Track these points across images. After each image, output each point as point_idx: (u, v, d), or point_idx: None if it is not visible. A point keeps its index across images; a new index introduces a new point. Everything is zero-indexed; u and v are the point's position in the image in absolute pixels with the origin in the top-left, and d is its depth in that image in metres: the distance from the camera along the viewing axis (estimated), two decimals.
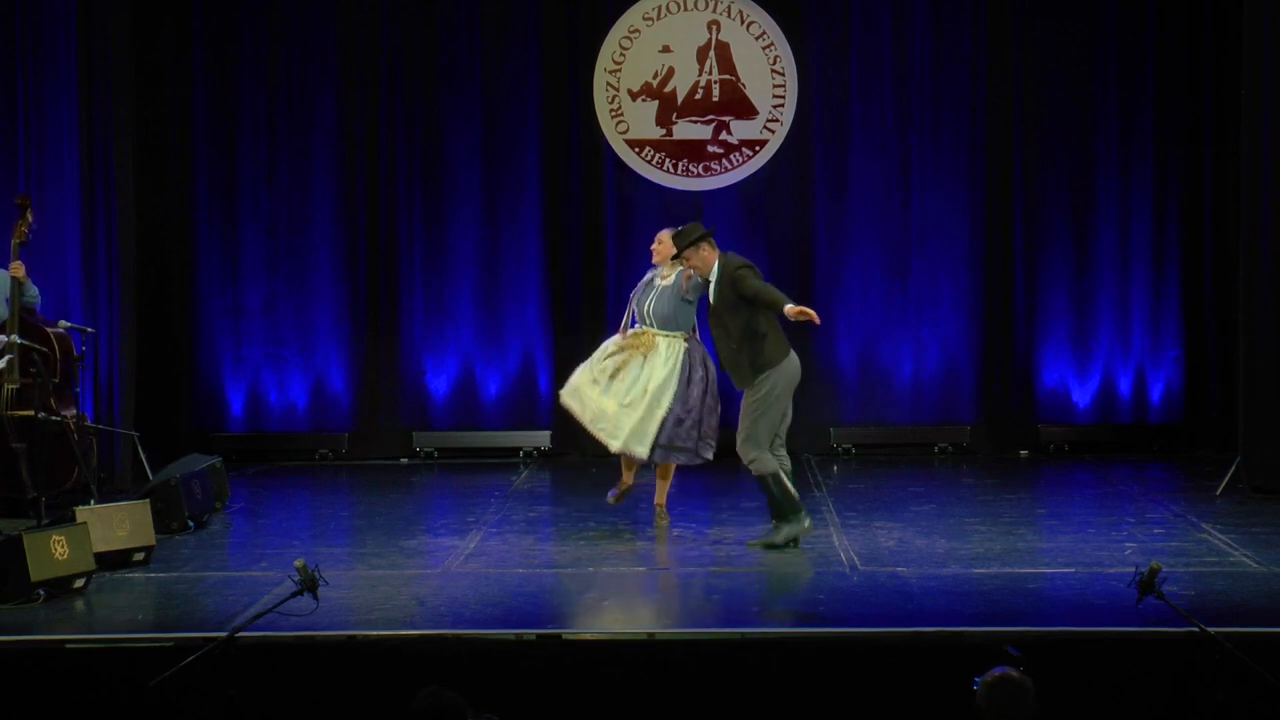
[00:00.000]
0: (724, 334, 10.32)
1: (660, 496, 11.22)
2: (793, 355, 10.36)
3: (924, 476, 13.57)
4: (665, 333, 10.92)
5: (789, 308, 10.01)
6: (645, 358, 10.84)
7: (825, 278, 14.92)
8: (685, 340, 10.93)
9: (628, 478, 11.13)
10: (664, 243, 11.08)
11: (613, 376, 10.88)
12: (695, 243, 10.48)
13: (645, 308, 11.01)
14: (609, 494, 11.25)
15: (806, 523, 10.27)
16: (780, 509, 10.24)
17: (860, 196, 14.90)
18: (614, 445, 10.82)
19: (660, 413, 10.71)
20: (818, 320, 10.07)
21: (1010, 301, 14.87)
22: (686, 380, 10.78)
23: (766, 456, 10.16)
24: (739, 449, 10.24)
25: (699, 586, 9.30)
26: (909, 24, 14.82)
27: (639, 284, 11.28)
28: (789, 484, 10.24)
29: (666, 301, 10.92)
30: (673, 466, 11.07)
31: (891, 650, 7.89)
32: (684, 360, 10.83)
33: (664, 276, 11.03)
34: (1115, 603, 8.42)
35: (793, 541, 10.21)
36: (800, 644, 8.01)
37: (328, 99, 14.83)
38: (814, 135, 14.91)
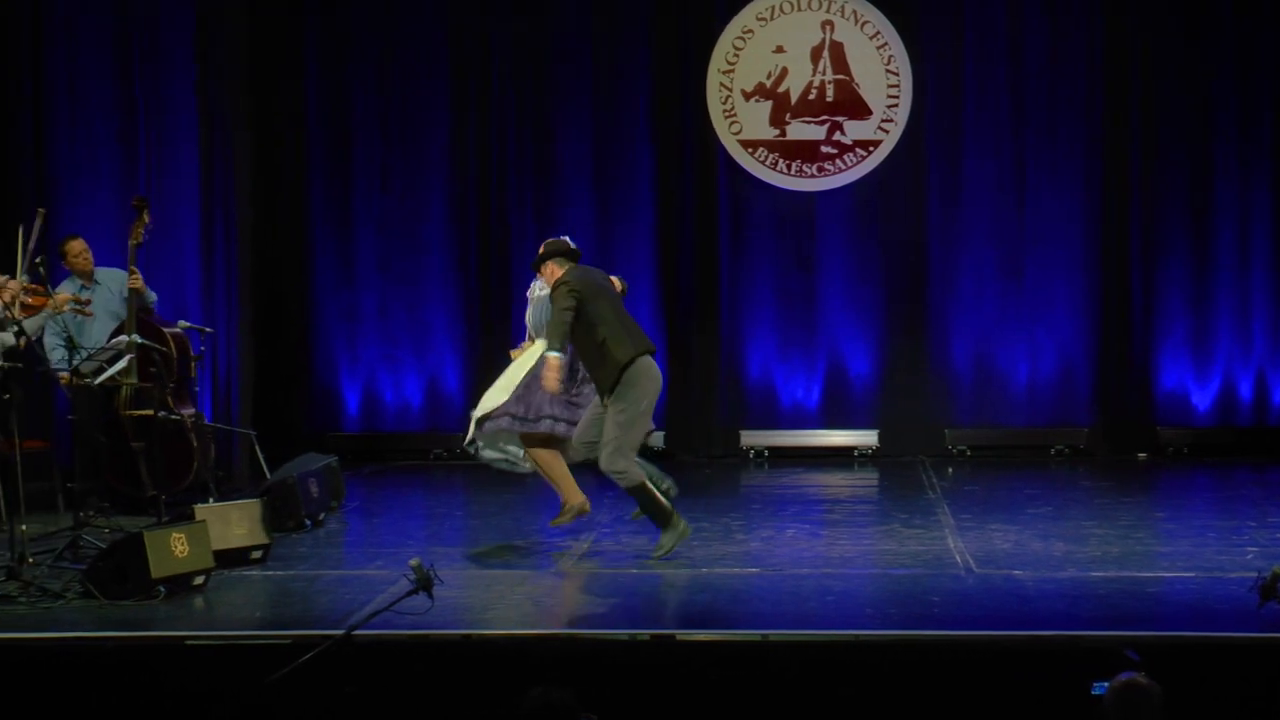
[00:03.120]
0: (576, 348, 10.10)
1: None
2: (642, 361, 9.96)
3: (1040, 479, 13.45)
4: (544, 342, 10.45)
5: (550, 355, 9.77)
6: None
7: (939, 279, 14.83)
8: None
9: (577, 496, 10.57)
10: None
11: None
12: (543, 259, 10.26)
13: (527, 318, 10.79)
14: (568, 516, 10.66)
15: (682, 526, 10.00)
16: (656, 519, 10.03)
17: (974, 197, 14.80)
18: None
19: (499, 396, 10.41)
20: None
21: (1127, 302, 14.72)
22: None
23: (634, 469, 9.92)
24: (604, 462, 9.86)
25: (811, 588, 9.26)
26: (1025, 22, 14.71)
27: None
28: (657, 492, 10.00)
29: (543, 312, 10.58)
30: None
31: (1007, 654, 7.82)
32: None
33: (542, 288, 10.68)
34: (1236, 608, 8.31)
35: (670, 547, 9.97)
36: (914, 646, 7.96)
37: (440, 100, 14.92)
38: (928, 135, 14.82)
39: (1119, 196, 14.70)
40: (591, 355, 9.98)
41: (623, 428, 9.85)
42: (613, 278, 10.49)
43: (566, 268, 10.19)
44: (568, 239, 10.48)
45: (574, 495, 10.46)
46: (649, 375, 10.02)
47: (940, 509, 11.73)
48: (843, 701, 7.66)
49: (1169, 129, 14.64)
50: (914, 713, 7.63)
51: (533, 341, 10.73)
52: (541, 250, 10.36)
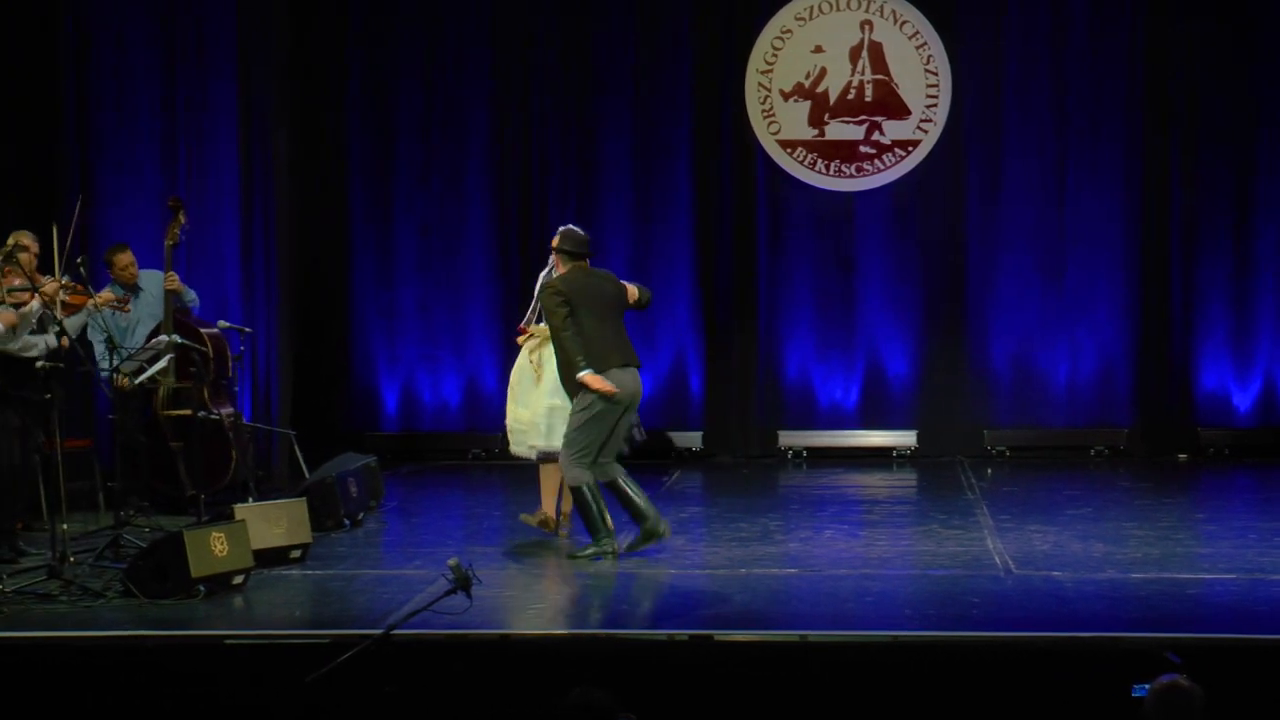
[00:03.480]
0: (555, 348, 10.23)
1: (567, 505, 10.75)
2: (616, 372, 10.01)
3: (1079, 479, 13.41)
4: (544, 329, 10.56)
5: (584, 375, 9.88)
6: (545, 361, 10.58)
7: (978, 279, 14.79)
8: None
9: (551, 508, 10.70)
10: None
11: (537, 382, 10.66)
12: (555, 252, 10.36)
13: (534, 307, 10.73)
14: (535, 519, 10.78)
15: (609, 548, 10.01)
16: (587, 525, 10.07)
17: (1014, 197, 14.76)
18: (516, 449, 10.68)
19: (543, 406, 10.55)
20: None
21: (1168, 302, 14.66)
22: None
23: (578, 470, 9.96)
24: (559, 457, 10.14)
25: (850, 589, 9.24)
26: (1065, 21, 14.66)
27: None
28: (602, 505, 10.02)
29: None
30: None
31: (1046, 656, 7.79)
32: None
33: (546, 275, 10.68)
34: (1277, 609, 8.28)
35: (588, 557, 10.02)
36: (953, 647, 7.94)
37: (481, 100, 14.94)
38: (967, 135, 14.79)
39: (1160, 195, 14.65)
40: (561, 359, 10.11)
41: (577, 428, 9.99)
42: (629, 286, 10.45)
43: (568, 268, 10.25)
44: (577, 231, 10.44)
45: (550, 507, 10.67)
46: (619, 381, 10.02)
47: (979, 510, 11.71)
48: (881, 703, 7.64)
49: (1210, 127, 14.58)
50: (952, 714, 7.60)
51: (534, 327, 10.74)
52: (555, 241, 10.42)
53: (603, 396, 9.93)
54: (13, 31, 12.95)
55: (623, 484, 10.10)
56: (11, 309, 9.78)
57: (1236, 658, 7.68)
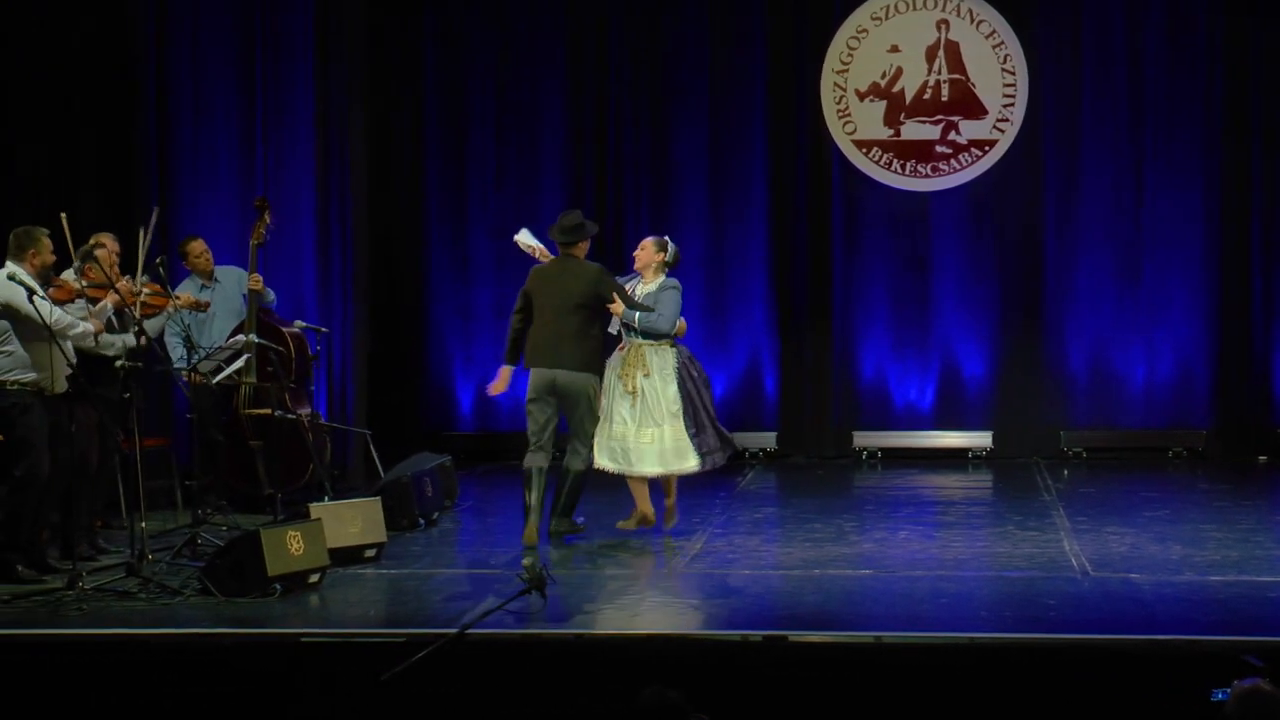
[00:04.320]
0: None
1: (671, 498, 10.89)
2: (539, 372, 10.63)
3: (1157, 481, 13.31)
4: (649, 342, 10.61)
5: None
6: (645, 375, 10.61)
7: (1055, 280, 14.71)
8: (671, 346, 10.67)
9: (646, 506, 10.75)
10: (646, 249, 10.81)
11: (632, 405, 10.64)
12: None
13: (634, 320, 10.64)
14: (633, 522, 10.80)
15: (527, 528, 10.48)
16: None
17: (1091, 197, 14.66)
18: (655, 471, 10.63)
19: (681, 425, 10.57)
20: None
21: (1247, 304, 14.53)
22: (691, 386, 10.63)
23: (527, 454, 10.65)
24: None
25: (925, 590, 9.21)
26: (1143, 20, 14.55)
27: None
28: (531, 488, 10.56)
29: (657, 302, 10.63)
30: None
31: (1124, 658, 7.74)
32: (678, 368, 10.64)
33: (646, 285, 10.73)
34: None
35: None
36: (1029, 650, 7.89)
37: (555, 100, 14.96)
38: (1044, 135, 14.70)
39: (1239, 195, 14.51)
40: None
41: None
42: (618, 301, 10.53)
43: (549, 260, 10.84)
44: (564, 216, 10.96)
45: (646, 506, 10.74)
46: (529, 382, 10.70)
47: (1055, 511, 11.63)
48: (956, 705, 7.61)
49: None
50: (1029, 717, 7.56)
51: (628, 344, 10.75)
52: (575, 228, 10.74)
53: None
54: (93, 34, 13.05)
55: (535, 476, 10.54)
56: (94, 314, 9.86)
57: None
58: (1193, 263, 14.60)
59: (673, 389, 10.56)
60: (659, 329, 10.55)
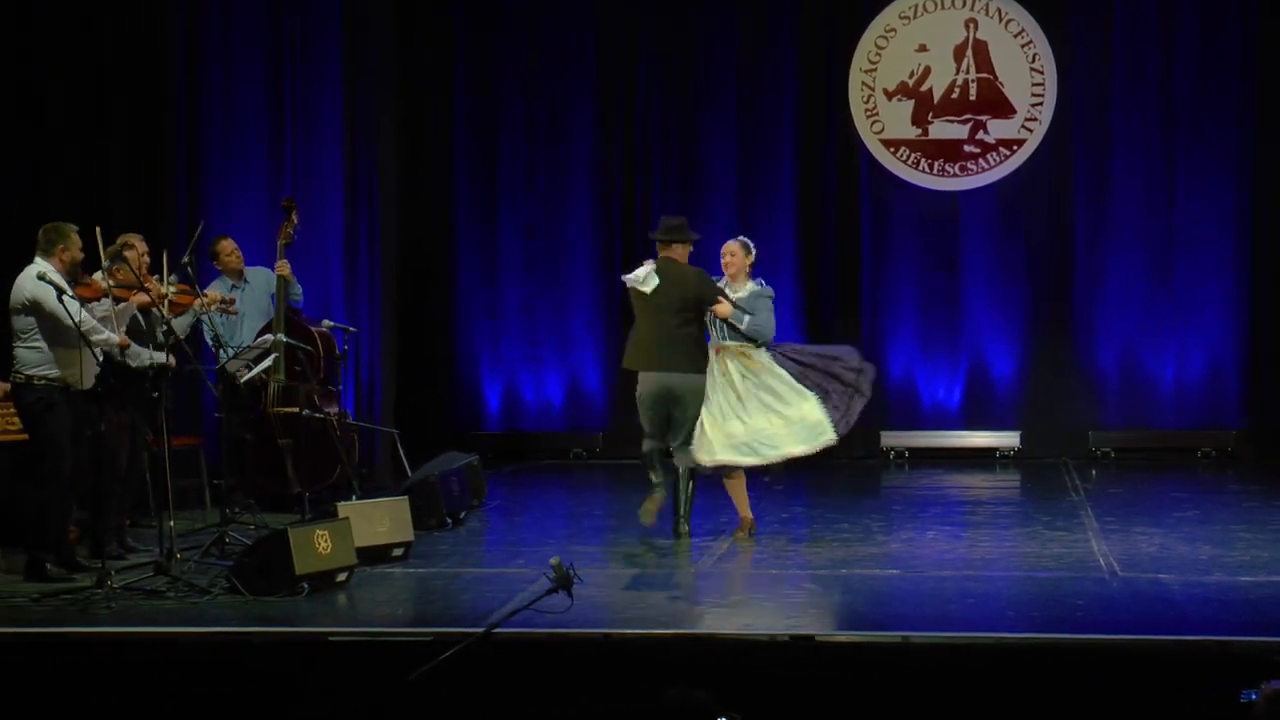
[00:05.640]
0: None
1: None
2: (643, 375, 10.58)
3: (1186, 482, 13.27)
4: (739, 344, 10.61)
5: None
6: (742, 374, 10.61)
7: (1084, 280, 14.68)
8: (760, 348, 10.66)
9: (747, 511, 10.82)
10: (735, 255, 10.79)
11: (740, 399, 10.64)
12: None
13: (740, 323, 10.62)
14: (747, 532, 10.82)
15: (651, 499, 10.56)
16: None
17: (1121, 197, 14.63)
18: (799, 449, 10.67)
19: (810, 402, 10.63)
20: None
21: (1279, 305, 14.45)
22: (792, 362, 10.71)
23: (645, 443, 10.63)
24: None
25: (953, 590, 9.19)
26: (1174, 20, 14.50)
27: None
28: (652, 465, 10.57)
29: (752, 307, 10.65)
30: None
31: (1153, 659, 7.70)
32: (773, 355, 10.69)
33: (735, 290, 10.70)
34: None
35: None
36: (1058, 650, 7.87)
37: (585, 102, 14.98)
38: (1073, 135, 14.67)
39: (1271, 197, 14.46)
40: None
41: None
42: (722, 303, 10.53)
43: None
44: (667, 218, 10.91)
45: (746, 511, 10.82)
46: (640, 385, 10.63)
47: (1084, 511, 11.60)
48: (984, 705, 7.59)
49: None
50: (1056, 718, 7.54)
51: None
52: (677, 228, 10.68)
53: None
54: (125, 37, 13.08)
55: (657, 456, 10.55)
56: (117, 314, 9.88)
57: None
58: (1224, 264, 14.56)
59: (780, 370, 10.60)
60: (764, 334, 10.60)
